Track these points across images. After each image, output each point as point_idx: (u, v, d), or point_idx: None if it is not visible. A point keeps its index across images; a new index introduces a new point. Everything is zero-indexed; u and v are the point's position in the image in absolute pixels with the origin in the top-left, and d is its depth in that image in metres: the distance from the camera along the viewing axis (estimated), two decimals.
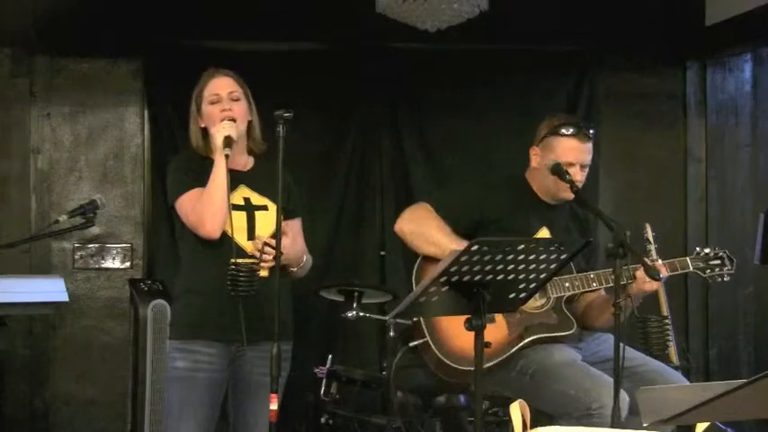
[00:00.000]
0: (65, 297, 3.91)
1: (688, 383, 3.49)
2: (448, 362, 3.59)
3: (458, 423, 4.19)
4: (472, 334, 3.39)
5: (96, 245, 5.18)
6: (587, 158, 3.69)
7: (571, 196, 3.65)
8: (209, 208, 3.30)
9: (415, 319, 3.66)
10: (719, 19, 5.05)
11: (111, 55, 5.21)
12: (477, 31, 4.61)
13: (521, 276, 2.82)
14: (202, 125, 3.45)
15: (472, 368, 3.51)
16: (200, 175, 3.38)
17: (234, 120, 3.37)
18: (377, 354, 4.89)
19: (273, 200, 3.41)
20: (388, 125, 5.28)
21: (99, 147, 5.23)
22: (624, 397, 3.25)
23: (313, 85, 5.14)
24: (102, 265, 5.19)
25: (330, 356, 4.38)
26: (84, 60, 5.22)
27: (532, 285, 2.89)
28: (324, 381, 4.33)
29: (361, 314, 4.25)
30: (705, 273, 3.67)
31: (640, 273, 3.41)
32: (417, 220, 3.74)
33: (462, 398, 4.13)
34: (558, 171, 3.58)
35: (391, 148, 5.27)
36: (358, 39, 5.16)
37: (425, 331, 3.63)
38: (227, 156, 3.29)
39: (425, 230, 3.68)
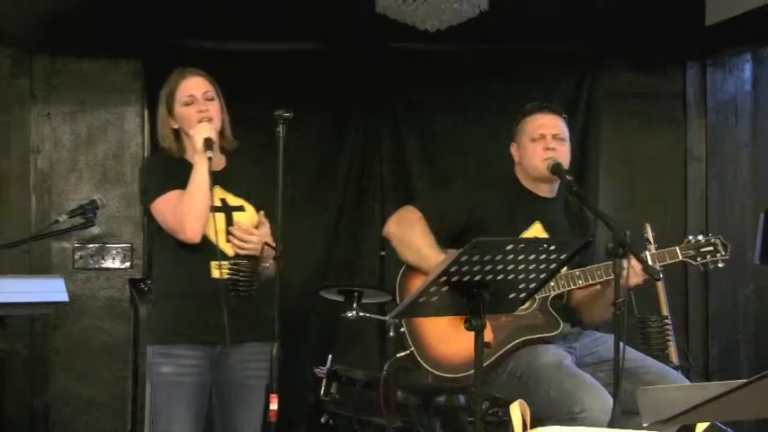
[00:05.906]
0: (65, 297, 3.91)
1: (689, 383, 3.47)
2: (434, 371, 3.60)
3: (458, 423, 4.18)
4: (459, 338, 3.40)
5: (96, 245, 5.17)
6: (559, 131, 3.69)
7: (543, 165, 3.62)
8: (190, 212, 3.26)
9: (402, 329, 3.66)
10: (719, 19, 5.04)
11: (111, 55, 5.21)
12: (477, 31, 4.61)
13: (521, 276, 2.82)
14: (175, 126, 3.41)
15: (458, 375, 3.57)
16: (177, 177, 3.33)
17: (210, 120, 3.34)
18: (377, 354, 4.89)
19: (248, 200, 3.42)
20: (389, 125, 5.27)
21: (99, 147, 5.23)
22: (607, 401, 3.24)
23: (313, 85, 5.14)
24: (102, 265, 5.19)
25: (330, 356, 4.38)
26: (84, 60, 5.22)
27: (532, 285, 2.89)
28: (324, 381, 4.33)
29: (361, 314, 4.24)
30: (696, 261, 3.60)
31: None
32: (403, 224, 3.74)
33: (462, 398, 4.12)
34: (558, 171, 3.59)
35: (391, 148, 5.26)
36: (358, 39, 5.16)
37: (410, 341, 3.62)
38: (210, 158, 3.25)
39: (410, 237, 3.69)
